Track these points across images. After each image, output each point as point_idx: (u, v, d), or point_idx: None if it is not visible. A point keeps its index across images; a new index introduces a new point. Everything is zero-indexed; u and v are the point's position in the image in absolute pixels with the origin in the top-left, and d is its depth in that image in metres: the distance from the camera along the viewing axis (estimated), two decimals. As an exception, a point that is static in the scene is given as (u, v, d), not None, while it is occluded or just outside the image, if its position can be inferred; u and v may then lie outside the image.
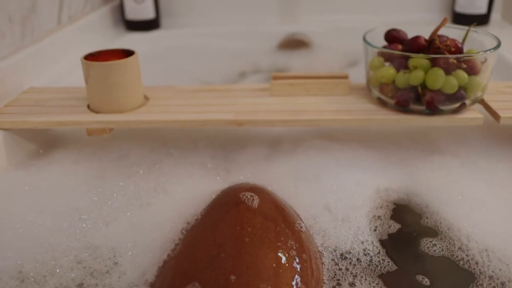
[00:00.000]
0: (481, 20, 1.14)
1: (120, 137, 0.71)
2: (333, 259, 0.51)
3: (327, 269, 0.50)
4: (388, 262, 0.51)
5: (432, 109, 0.62)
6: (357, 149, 0.68)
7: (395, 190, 0.62)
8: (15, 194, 0.60)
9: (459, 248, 0.53)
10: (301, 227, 0.52)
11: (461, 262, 0.51)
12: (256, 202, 0.52)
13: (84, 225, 0.56)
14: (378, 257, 0.52)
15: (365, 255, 0.52)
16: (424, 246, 0.53)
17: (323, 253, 0.52)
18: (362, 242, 0.53)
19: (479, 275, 0.49)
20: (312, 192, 0.60)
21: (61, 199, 0.59)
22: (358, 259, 0.51)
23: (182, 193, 0.61)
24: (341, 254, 0.52)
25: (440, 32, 0.64)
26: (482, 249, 0.52)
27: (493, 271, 0.49)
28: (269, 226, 0.49)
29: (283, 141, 0.71)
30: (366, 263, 0.51)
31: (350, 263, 0.51)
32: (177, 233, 0.54)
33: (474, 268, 0.50)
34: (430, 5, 1.23)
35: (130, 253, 0.52)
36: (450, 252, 0.52)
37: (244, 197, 0.53)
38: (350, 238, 0.54)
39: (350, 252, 0.52)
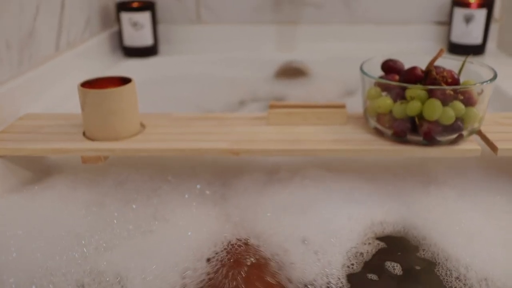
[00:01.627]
0: (477, 50, 1.15)
1: (117, 163, 0.71)
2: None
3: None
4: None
5: (429, 140, 0.62)
6: (353, 180, 0.67)
7: (390, 223, 0.61)
8: (10, 219, 0.59)
9: (457, 278, 0.52)
10: None
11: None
12: None
13: (85, 250, 0.56)
14: None
15: None
16: (419, 278, 0.53)
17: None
18: (327, 276, 0.53)
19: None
20: (296, 223, 0.59)
21: (59, 224, 0.59)
22: None
23: (182, 221, 0.61)
24: (304, 285, 0.52)
25: (436, 63, 0.64)
26: (481, 278, 0.51)
27: None
28: None
29: (281, 169, 0.70)
30: None
31: None
32: (183, 259, 0.54)
33: None
34: (426, 35, 1.24)
35: (139, 278, 0.52)
36: (447, 282, 0.51)
37: None
38: (315, 271, 0.53)
39: (312, 284, 0.52)
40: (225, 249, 0.57)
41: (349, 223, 0.60)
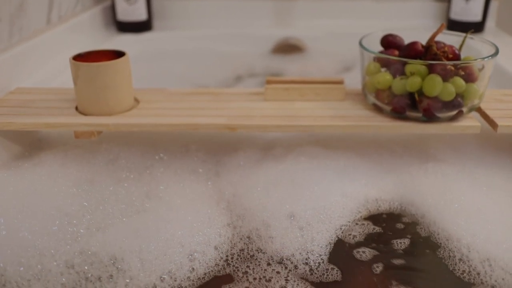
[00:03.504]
0: (476, 27, 1.14)
1: (108, 140, 0.70)
2: (268, 262, 0.51)
3: (261, 269, 0.50)
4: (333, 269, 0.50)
5: (429, 116, 0.61)
6: (350, 157, 0.67)
7: (386, 200, 0.61)
8: (0, 196, 0.57)
9: (460, 260, 0.51)
10: None
11: (464, 274, 0.50)
12: None
13: (76, 230, 0.54)
14: (320, 267, 0.51)
15: (305, 264, 0.51)
16: (420, 259, 0.52)
17: (259, 256, 0.52)
18: (307, 252, 0.52)
19: (481, 286, 0.48)
20: (284, 199, 0.59)
21: (49, 203, 0.57)
22: (295, 266, 0.51)
23: (177, 200, 0.59)
24: (280, 259, 0.51)
25: (436, 39, 0.63)
26: (484, 259, 0.51)
27: (495, 281, 0.48)
28: None
29: (276, 146, 0.69)
30: (305, 271, 0.50)
31: (286, 267, 0.50)
32: (181, 239, 0.53)
33: (475, 279, 0.49)
34: (425, 12, 1.23)
35: (136, 259, 0.50)
36: (452, 265, 0.51)
37: None
38: (295, 246, 0.53)
39: (289, 259, 0.51)
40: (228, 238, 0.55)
41: (341, 200, 0.59)
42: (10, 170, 0.63)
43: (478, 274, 0.49)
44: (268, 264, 0.51)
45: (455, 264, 0.51)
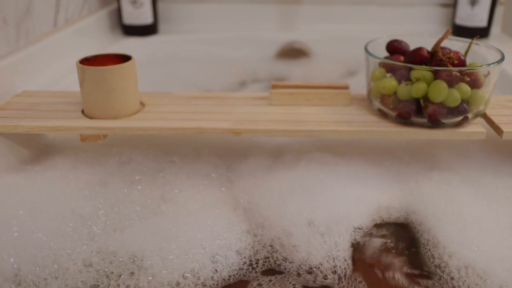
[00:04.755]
0: (481, 33, 1.14)
1: (119, 143, 0.70)
2: (298, 272, 0.51)
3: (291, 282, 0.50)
4: (360, 281, 0.50)
5: (434, 122, 0.61)
6: (359, 163, 0.66)
7: (396, 208, 0.61)
8: (11, 198, 0.58)
9: (437, 266, 0.52)
10: None
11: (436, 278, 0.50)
12: None
13: (92, 230, 0.54)
14: (347, 275, 0.51)
15: (333, 272, 0.51)
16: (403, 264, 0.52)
17: (285, 267, 0.51)
18: (333, 259, 0.52)
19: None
20: (301, 206, 0.58)
21: (62, 205, 0.57)
22: (325, 276, 0.50)
23: (192, 204, 0.59)
24: (309, 269, 0.51)
25: (442, 44, 0.63)
26: (462, 266, 0.51)
27: (468, 286, 0.48)
28: None
29: (285, 151, 0.69)
30: (334, 280, 0.50)
31: (316, 278, 0.50)
32: (202, 241, 0.53)
33: (448, 283, 0.49)
34: (430, 17, 1.23)
35: (157, 257, 0.51)
36: (428, 268, 0.51)
37: None
38: (322, 254, 0.53)
39: (318, 268, 0.51)
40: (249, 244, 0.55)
41: (356, 205, 0.59)
42: (20, 173, 0.63)
43: (452, 278, 0.49)
44: (298, 274, 0.51)
45: (430, 268, 0.52)
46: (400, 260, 0.53)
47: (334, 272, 0.51)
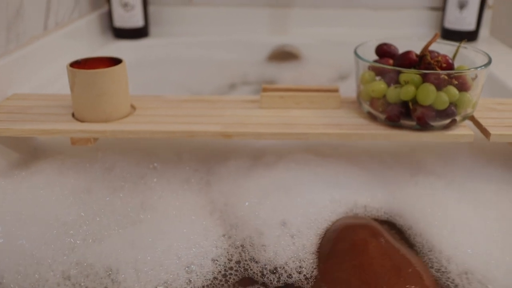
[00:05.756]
0: (470, 36, 1.15)
1: (104, 148, 0.70)
2: (261, 271, 0.51)
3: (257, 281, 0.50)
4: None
5: (423, 125, 0.62)
6: (340, 165, 0.67)
7: (375, 208, 0.61)
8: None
9: (437, 270, 0.52)
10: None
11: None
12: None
13: (73, 240, 0.54)
14: (311, 276, 0.51)
15: (298, 272, 0.51)
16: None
17: (253, 265, 0.52)
18: (300, 260, 0.52)
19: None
20: (275, 206, 0.59)
21: (47, 211, 0.57)
22: (289, 275, 0.51)
23: (170, 211, 0.59)
24: (273, 269, 0.51)
25: (430, 48, 0.64)
26: (462, 272, 0.51)
27: None
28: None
29: (267, 153, 0.70)
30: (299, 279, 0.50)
31: (279, 278, 0.50)
32: (178, 250, 0.53)
33: None
34: (419, 21, 1.24)
35: (132, 270, 0.50)
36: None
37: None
38: (288, 255, 0.53)
39: (283, 268, 0.51)
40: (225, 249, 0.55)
41: (330, 205, 0.60)
42: (7, 178, 0.63)
43: (456, 286, 0.50)
44: (262, 275, 0.51)
45: (432, 274, 0.51)
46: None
47: (300, 273, 0.51)
